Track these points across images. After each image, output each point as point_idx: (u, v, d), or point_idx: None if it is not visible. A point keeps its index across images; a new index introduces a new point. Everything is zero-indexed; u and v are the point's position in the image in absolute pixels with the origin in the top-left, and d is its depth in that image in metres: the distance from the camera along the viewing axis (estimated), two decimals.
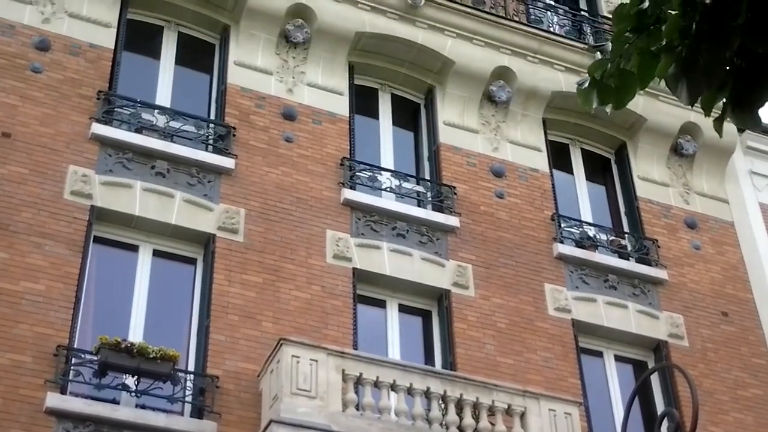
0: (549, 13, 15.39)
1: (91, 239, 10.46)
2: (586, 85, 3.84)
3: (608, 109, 3.86)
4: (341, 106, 12.80)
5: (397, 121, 13.55)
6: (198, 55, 12.78)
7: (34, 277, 9.78)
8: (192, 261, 11.00)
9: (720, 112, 3.62)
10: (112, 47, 11.90)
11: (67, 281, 9.89)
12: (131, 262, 10.70)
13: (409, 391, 9.92)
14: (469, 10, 13.90)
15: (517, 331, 11.85)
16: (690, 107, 4.36)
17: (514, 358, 11.59)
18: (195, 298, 10.72)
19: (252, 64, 12.55)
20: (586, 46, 14.56)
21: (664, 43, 3.54)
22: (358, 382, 9.82)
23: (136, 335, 10.12)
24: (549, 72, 14.15)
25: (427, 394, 9.99)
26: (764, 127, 14.40)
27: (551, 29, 14.84)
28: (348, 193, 11.93)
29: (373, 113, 13.45)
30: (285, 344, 9.65)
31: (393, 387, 9.84)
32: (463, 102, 13.59)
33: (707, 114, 3.70)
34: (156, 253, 10.84)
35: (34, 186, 10.41)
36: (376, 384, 9.82)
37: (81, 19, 11.89)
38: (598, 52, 3.81)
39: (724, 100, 3.54)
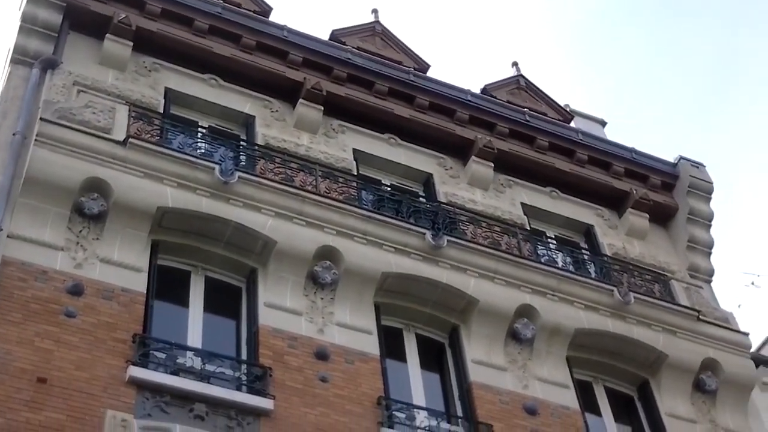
0: (561, 253, 15.67)
1: None
2: None
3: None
4: (371, 345, 12.68)
5: (423, 361, 13.39)
6: (225, 298, 12.72)
7: None
8: None
9: None
10: (144, 291, 11.83)
11: None
12: None
13: None
14: (489, 250, 14.13)
15: None
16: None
17: None
18: None
19: (282, 305, 12.50)
20: (602, 284, 14.76)
21: None
22: None
23: None
24: (570, 309, 14.23)
25: None
26: None
27: (566, 268, 15.04)
28: None
29: (400, 353, 13.31)
30: None
31: None
32: (489, 340, 13.54)
33: None
34: None
35: None
36: None
37: (112, 264, 11.86)
38: None
39: None
